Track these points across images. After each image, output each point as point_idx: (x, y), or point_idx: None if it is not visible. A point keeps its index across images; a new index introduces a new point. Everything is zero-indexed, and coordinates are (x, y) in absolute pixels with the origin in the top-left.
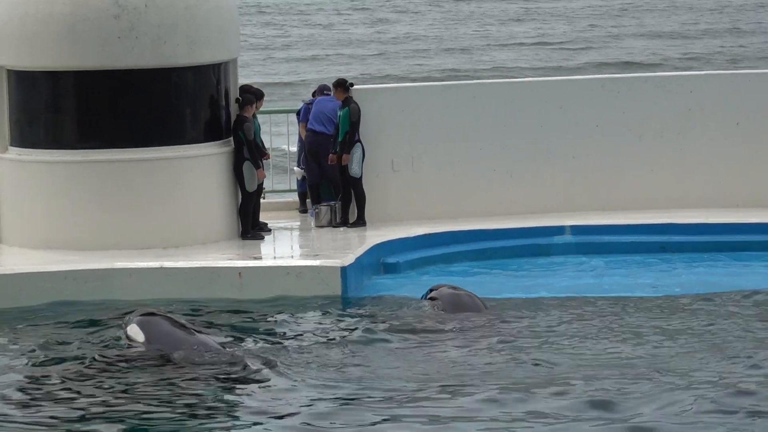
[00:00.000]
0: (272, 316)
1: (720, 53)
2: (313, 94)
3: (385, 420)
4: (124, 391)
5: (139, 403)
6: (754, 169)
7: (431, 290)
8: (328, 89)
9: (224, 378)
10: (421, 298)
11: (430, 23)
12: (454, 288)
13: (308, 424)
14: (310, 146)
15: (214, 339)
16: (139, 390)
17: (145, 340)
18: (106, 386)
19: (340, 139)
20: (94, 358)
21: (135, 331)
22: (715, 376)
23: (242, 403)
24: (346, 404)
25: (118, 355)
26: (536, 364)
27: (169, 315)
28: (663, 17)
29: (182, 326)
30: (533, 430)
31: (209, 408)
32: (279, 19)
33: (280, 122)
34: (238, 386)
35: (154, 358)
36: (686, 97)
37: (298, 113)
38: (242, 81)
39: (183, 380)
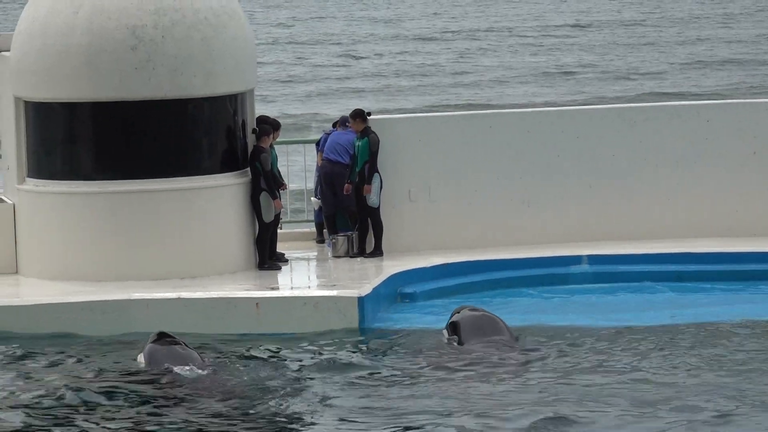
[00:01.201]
0: (289, 347)
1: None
2: (334, 125)
3: None
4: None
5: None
6: None
7: (455, 312)
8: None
9: (228, 412)
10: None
11: (447, 55)
12: (475, 309)
13: None
14: (325, 176)
15: (221, 372)
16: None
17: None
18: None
19: (358, 169)
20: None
21: (139, 361)
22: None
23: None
24: None
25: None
26: (555, 396)
27: (178, 344)
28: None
29: (188, 359)
30: None
31: None
32: (299, 50)
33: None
34: (251, 417)
35: (154, 389)
36: (703, 126)
37: (317, 143)
38: (261, 112)
39: (182, 413)
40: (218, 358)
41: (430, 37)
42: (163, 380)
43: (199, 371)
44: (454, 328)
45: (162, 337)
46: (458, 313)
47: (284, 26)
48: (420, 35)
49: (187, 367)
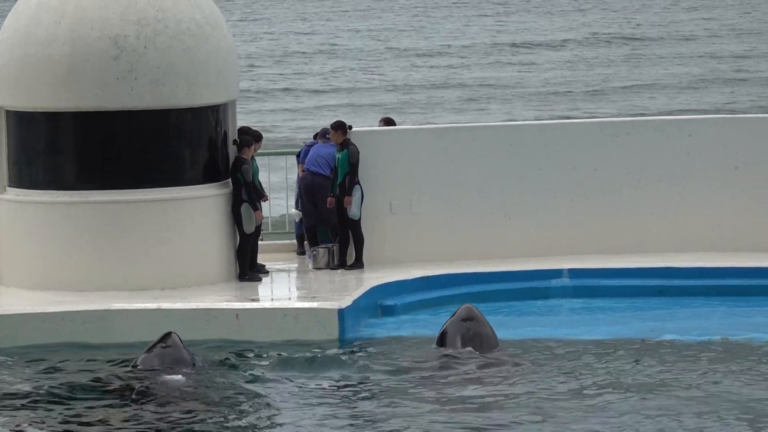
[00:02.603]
0: (269, 359)
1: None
2: (315, 137)
3: None
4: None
5: None
6: (752, 213)
7: (452, 315)
8: (329, 133)
9: (205, 421)
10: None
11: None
12: (467, 319)
13: None
14: (306, 187)
15: (207, 381)
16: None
17: None
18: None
19: (339, 181)
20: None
21: (136, 367)
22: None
23: None
24: None
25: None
26: (537, 407)
27: (170, 349)
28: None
29: (178, 367)
30: None
31: None
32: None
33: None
34: (228, 427)
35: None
36: (685, 140)
37: (298, 155)
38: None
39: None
40: (211, 364)
41: (419, 51)
42: (148, 388)
43: (186, 379)
44: (442, 337)
45: (165, 339)
46: (450, 319)
47: (270, 38)
48: (408, 48)
49: (176, 376)
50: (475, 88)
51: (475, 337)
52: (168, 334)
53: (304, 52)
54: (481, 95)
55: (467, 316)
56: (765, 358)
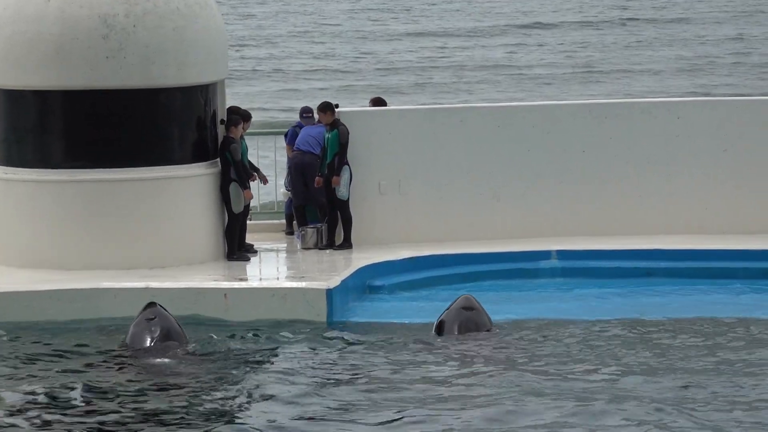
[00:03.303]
0: (257, 338)
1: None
2: (301, 116)
3: None
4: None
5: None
6: (740, 195)
7: (450, 304)
8: (308, 111)
9: (192, 400)
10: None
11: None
12: (466, 308)
13: None
14: (296, 166)
15: (195, 358)
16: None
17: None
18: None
19: (328, 161)
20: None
21: (125, 343)
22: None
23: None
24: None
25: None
26: (528, 387)
27: (155, 320)
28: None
29: (169, 341)
30: None
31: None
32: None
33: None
34: (212, 408)
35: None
36: (674, 123)
37: (285, 135)
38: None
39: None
40: (199, 342)
41: (409, 32)
42: (140, 366)
43: (177, 356)
44: (440, 326)
45: (150, 312)
46: (448, 308)
47: (260, 17)
48: (398, 29)
49: (166, 359)
50: (464, 69)
51: (473, 326)
52: (150, 305)
53: (293, 33)
54: (470, 76)
55: (465, 305)
56: (751, 337)
